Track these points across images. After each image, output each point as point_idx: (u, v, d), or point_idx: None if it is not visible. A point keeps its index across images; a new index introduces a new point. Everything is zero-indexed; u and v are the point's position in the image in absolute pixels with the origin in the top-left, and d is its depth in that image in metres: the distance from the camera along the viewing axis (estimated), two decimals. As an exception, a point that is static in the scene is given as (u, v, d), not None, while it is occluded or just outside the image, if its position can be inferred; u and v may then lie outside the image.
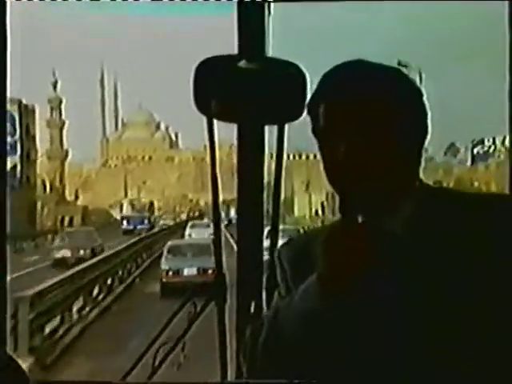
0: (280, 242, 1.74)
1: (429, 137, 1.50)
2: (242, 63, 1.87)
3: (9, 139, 68.10)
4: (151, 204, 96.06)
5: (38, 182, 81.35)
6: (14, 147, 69.59)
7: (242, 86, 1.86)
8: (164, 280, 19.93)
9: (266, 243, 1.98)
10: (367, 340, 1.37)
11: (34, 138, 75.15)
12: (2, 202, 1.33)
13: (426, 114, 1.49)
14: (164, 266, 20.57)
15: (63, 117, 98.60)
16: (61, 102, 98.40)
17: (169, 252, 21.58)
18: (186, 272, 19.95)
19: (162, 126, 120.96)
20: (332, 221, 1.56)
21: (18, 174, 70.27)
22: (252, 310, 1.97)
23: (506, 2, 1.92)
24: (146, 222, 62.13)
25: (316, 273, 1.37)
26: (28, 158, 72.61)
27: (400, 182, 1.44)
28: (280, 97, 1.87)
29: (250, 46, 1.93)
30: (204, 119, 1.89)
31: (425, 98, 1.49)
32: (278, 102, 1.87)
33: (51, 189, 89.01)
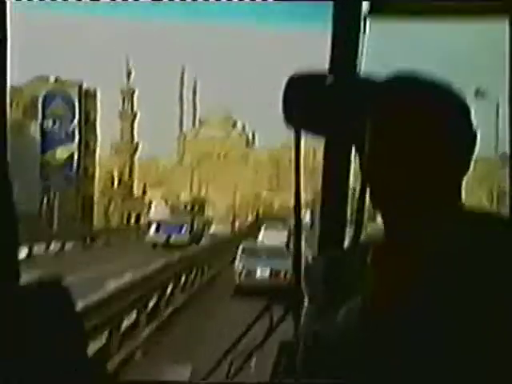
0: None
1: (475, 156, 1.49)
2: (333, 79, 1.90)
3: (66, 125, 62.05)
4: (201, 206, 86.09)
5: (98, 173, 77.40)
6: (71, 135, 62.79)
7: (331, 102, 1.89)
8: (237, 282, 20.82)
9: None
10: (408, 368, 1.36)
11: (94, 125, 68.58)
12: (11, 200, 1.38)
13: (472, 134, 1.48)
14: (238, 267, 21.46)
15: (135, 108, 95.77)
16: (133, 92, 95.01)
17: (242, 252, 22.30)
18: (258, 273, 20.54)
19: (239, 125, 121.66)
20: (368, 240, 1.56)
21: (75, 164, 63.24)
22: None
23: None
24: (183, 229, 44.49)
25: (360, 296, 1.36)
26: (87, 148, 65.48)
27: (446, 203, 1.43)
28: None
29: (342, 62, 1.96)
30: (285, 123, 1.92)
31: (473, 117, 1.48)
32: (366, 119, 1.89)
33: (119, 183, 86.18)
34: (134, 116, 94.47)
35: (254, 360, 1.92)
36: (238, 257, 22.43)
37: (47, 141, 62.36)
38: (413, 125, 1.42)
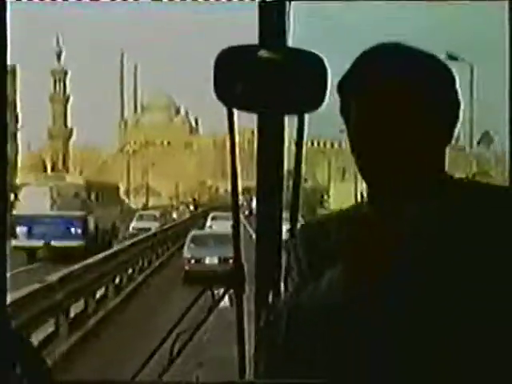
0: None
1: (459, 125, 1.50)
2: (263, 53, 1.91)
3: None
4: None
5: (28, 160, 74.07)
6: None
7: (262, 76, 1.91)
8: (186, 268, 21.39)
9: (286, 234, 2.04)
10: (388, 336, 1.38)
11: (14, 105, 62.90)
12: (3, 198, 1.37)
13: (458, 104, 1.49)
14: (186, 254, 22.10)
15: (68, 91, 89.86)
16: (66, 74, 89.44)
17: (191, 241, 22.94)
18: (207, 261, 21.39)
19: (182, 111, 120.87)
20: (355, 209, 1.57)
21: None
22: (270, 299, 2.03)
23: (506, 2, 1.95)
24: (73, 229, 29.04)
25: (341, 265, 1.37)
26: (4, 130, 64.22)
27: (428, 172, 1.45)
28: (300, 86, 1.91)
29: (270, 35, 1.98)
30: (224, 107, 1.94)
31: (458, 85, 1.49)
32: (298, 92, 1.92)
33: (52, 170, 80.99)
34: (67, 99, 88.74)
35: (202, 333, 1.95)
36: (186, 245, 22.89)
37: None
38: (399, 95, 1.42)
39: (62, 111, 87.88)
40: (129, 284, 19.42)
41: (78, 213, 29.39)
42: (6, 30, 1.50)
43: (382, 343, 1.39)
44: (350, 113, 1.49)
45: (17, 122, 64.13)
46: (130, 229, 39.52)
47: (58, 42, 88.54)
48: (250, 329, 2.05)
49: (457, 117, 1.50)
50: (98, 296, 15.69)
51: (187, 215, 56.41)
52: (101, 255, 17.63)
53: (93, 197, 32.04)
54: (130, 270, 20.61)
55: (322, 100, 1.90)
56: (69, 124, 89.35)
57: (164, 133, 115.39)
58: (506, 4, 1.93)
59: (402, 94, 1.43)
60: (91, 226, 30.21)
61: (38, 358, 1.32)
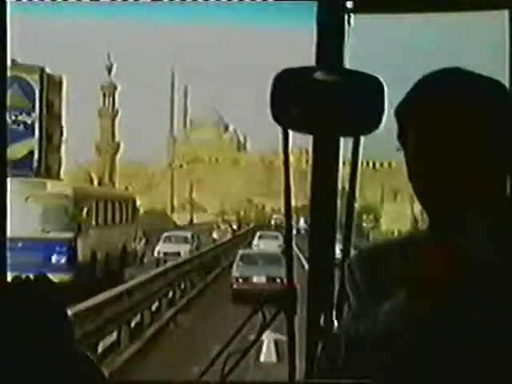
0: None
1: None
2: (320, 75, 1.93)
3: (24, 117, 51.52)
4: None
5: (76, 173, 71.07)
6: (30, 128, 51.91)
7: (318, 98, 1.92)
8: (235, 286, 21.75)
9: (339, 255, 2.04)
10: (452, 363, 1.37)
11: (59, 117, 57.59)
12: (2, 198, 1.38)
13: None
14: (235, 272, 22.47)
15: (116, 106, 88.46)
16: (115, 88, 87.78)
17: (240, 260, 23.49)
18: (255, 279, 21.73)
19: (231, 128, 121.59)
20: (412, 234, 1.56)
21: (35, 163, 51.47)
22: (322, 322, 2.03)
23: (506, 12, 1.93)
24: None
25: (403, 291, 1.36)
26: (50, 142, 54.81)
27: (491, 199, 1.43)
28: (357, 109, 1.91)
29: (328, 57, 1.99)
30: (277, 126, 1.95)
31: None
32: (354, 114, 1.92)
33: (99, 184, 77.65)
34: (115, 114, 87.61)
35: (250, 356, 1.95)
36: (235, 264, 23.41)
37: (1, 136, 55.77)
38: (460, 121, 1.40)
39: (110, 125, 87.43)
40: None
41: (63, 234, 21.66)
42: (6, 30, 1.53)
43: (445, 370, 1.38)
44: (408, 138, 1.47)
45: (61, 134, 59.72)
46: (155, 253, 33.12)
47: (109, 57, 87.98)
48: (301, 351, 2.05)
49: None
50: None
51: (229, 236, 50.70)
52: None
53: (89, 212, 23.50)
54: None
55: (378, 123, 1.90)
56: (116, 139, 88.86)
57: (212, 149, 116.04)
58: (507, 14, 1.92)
59: (464, 120, 1.41)
60: (83, 252, 22.32)
61: (94, 369, 1.33)
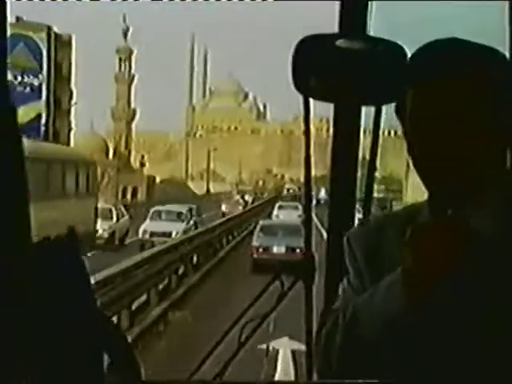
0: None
1: None
2: (343, 42, 1.92)
3: (31, 79, 49.34)
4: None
5: (90, 141, 65.55)
6: (37, 90, 49.37)
7: (340, 66, 1.91)
8: (255, 256, 22.38)
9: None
10: (452, 342, 1.37)
11: (68, 80, 54.00)
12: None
13: None
14: (255, 242, 23.15)
15: (133, 71, 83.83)
16: (131, 53, 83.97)
17: (260, 230, 24.07)
18: (275, 250, 22.35)
19: (250, 96, 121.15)
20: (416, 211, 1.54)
21: (42, 127, 48.53)
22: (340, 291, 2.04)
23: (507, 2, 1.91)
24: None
25: (401, 270, 1.34)
26: (58, 107, 51.40)
27: (492, 174, 1.40)
28: (380, 77, 1.90)
29: (350, 25, 1.98)
30: (297, 95, 1.95)
31: None
32: (377, 83, 1.91)
33: (114, 154, 75.67)
34: (132, 79, 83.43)
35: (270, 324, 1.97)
36: (255, 234, 24.01)
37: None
38: (459, 91, 1.37)
39: (126, 91, 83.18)
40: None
41: None
42: (5, 30, 1.53)
43: (445, 349, 1.37)
44: (406, 113, 1.43)
45: (71, 98, 55.08)
46: (139, 234, 27.42)
47: (124, 20, 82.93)
48: (317, 319, 2.07)
49: None
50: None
51: (240, 209, 44.86)
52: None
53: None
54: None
55: (401, 91, 1.89)
56: (132, 105, 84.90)
57: (231, 118, 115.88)
58: (506, 4, 1.90)
59: (462, 92, 1.37)
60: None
61: (131, 356, 1.33)
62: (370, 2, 2.00)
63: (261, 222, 25.98)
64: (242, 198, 56.46)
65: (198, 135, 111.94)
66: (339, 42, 1.91)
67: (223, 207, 47.70)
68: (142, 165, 79.15)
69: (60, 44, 51.50)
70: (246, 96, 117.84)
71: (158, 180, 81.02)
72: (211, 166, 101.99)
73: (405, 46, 1.88)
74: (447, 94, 1.37)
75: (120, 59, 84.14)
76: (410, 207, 1.57)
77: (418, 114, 1.40)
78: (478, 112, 1.37)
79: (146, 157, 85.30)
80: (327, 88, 1.94)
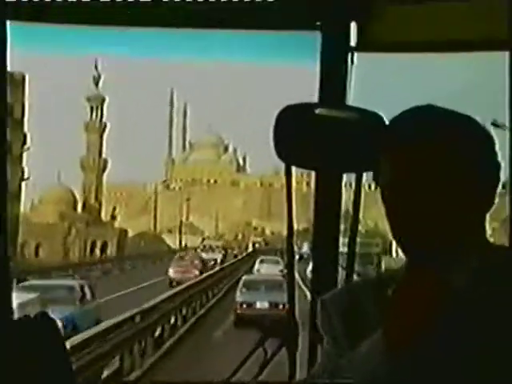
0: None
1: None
2: (323, 111, 1.98)
3: None
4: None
5: (57, 193, 65.04)
6: None
7: (321, 134, 1.98)
8: (238, 312, 22.97)
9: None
10: None
11: (21, 124, 51.15)
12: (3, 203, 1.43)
13: (498, 166, 1.48)
14: (239, 298, 23.70)
15: (104, 119, 79.44)
16: (103, 101, 79.81)
17: (243, 286, 24.77)
18: (258, 305, 23.01)
19: (230, 149, 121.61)
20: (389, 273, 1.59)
21: None
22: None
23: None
24: None
25: (381, 329, 1.38)
26: (10, 152, 46.79)
27: (467, 239, 1.45)
28: (359, 145, 1.97)
29: (331, 94, 2.05)
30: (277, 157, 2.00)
31: (497, 148, 1.48)
32: (357, 150, 1.97)
33: (84, 207, 72.34)
34: (104, 128, 79.29)
35: None
36: (238, 289, 24.64)
37: None
38: (434, 157, 1.41)
39: (98, 141, 78.39)
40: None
41: None
42: (5, 32, 1.56)
43: None
44: (382, 178, 1.47)
45: (24, 143, 51.93)
46: None
47: (96, 67, 77.70)
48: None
49: (497, 180, 1.47)
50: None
51: (195, 273, 35.46)
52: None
53: None
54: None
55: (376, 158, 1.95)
56: (104, 155, 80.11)
57: (211, 171, 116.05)
58: (507, 55, 1.98)
59: (437, 156, 1.41)
60: None
61: None
62: (349, 72, 2.08)
63: (244, 277, 26.76)
64: (201, 259, 44.61)
65: (177, 188, 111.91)
66: (319, 111, 1.98)
67: (171, 272, 37.52)
68: (113, 217, 76.61)
69: (12, 84, 46.41)
70: (225, 148, 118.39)
71: (130, 233, 77.08)
72: (190, 218, 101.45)
73: (384, 113, 1.96)
74: (421, 158, 1.41)
75: (91, 107, 79.98)
76: (385, 273, 1.62)
77: (393, 180, 1.44)
78: (451, 177, 1.41)
79: (117, 209, 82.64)
80: (308, 156, 2.00)
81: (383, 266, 47.99)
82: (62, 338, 1.36)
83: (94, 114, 79.60)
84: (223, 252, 64.11)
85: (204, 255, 52.36)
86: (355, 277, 2.18)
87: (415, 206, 1.42)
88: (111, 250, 65.08)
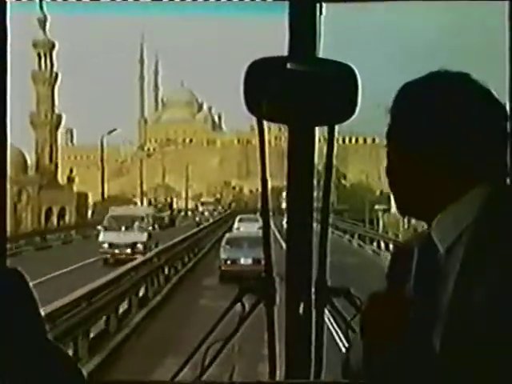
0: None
1: None
2: (293, 64, 2.02)
3: None
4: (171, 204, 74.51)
5: None
6: None
7: (292, 88, 2.02)
8: (223, 268, 24.72)
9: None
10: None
11: None
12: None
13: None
14: (223, 255, 25.41)
15: (55, 68, 68.82)
16: (53, 46, 68.48)
17: (227, 243, 26.30)
18: (242, 261, 24.70)
19: (205, 107, 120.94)
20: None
21: None
22: (301, 310, 2.14)
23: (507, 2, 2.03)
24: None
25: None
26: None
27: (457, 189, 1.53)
28: (331, 97, 2.01)
29: (300, 47, 2.08)
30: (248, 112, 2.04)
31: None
32: (328, 103, 2.02)
33: (37, 169, 64.85)
34: (55, 79, 68.98)
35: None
36: (221, 247, 26.22)
37: None
38: (436, 128, 1.52)
39: (49, 93, 68.56)
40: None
41: None
42: (6, 30, 1.59)
43: None
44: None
45: None
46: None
47: (41, 7, 63.03)
48: (280, 339, 2.16)
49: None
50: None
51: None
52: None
53: None
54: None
55: (353, 111, 2.00)
56: (56, 110, 69.62)
57: (186, 130, 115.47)
58: (506, 4, 2.02)
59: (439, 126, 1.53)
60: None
61: (74, 368, 1.41)
62: (318, 24, 2.11)
63: (227, 235, 28.34)
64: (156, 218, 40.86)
65: (151, 148, 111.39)
66: (289, 65, 2.01)
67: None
68: (70, 180, 67.48)
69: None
70: (200, 106, 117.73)
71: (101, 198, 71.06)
72: (166, 180, 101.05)
73: (355, 64, 2.00)
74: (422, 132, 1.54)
75: (39, 55, 68.24)
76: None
77: (396, 154, 1.60)
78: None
79: (74, 171, 72.57)
80: (279, 110, 2.04)
81: (380, 222, 48.18)
82: (32, 294, 1.40)
83: (43, 63, 68.86)
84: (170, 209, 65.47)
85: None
86: (331, 232, 2.24)
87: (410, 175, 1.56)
88: (70, 217, 60.12)
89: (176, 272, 24.83)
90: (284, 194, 2.40)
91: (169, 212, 63.49)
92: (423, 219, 1.58)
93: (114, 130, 66.46)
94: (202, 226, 41.78)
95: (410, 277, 1.56)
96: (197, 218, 61.39)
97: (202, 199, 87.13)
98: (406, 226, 40.89)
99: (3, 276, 1.40)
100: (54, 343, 1.41)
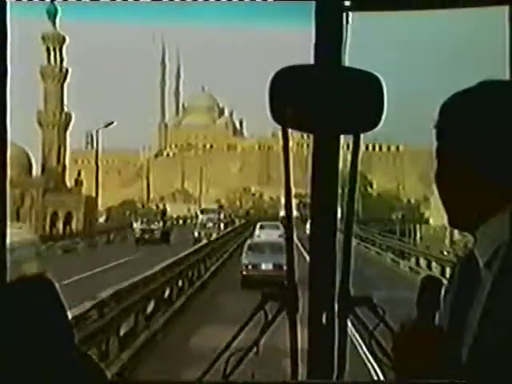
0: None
1: None
2: (319, 73, 2.05)
3: None
4: (163, 212, 65.64)
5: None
6: None
7: (317, 96, 2.04)
8: (244, 273, 25.87)
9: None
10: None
11: None
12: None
13: None
14: (245, 260, 26.61)
15: (65, 64, 64.89)
16: (63, 40, 64.70)
17: (248, 249, 27.86)
18: (263, 267, 25.76)
19: (226, 112, 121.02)
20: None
21: None
22: (324, 320, 2.16)
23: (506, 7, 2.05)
24: None
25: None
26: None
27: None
28: (356, 106, 2.04)
29: (326, 55, 2.11)
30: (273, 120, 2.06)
31: None
32: (353, 112, 2.05)
33: (43, 170, 61.09)
34: (65, 75, 65.05)
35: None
36: (244, 252, 27.67)
37: None
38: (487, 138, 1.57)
39: (58, 91, 65.13)
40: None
41: None
42: (6, 30, 1.61)
43: None
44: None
45: None
46: None
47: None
48: (303, 348, 2.18)
49: None
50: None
51: None
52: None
53: None
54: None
55: (378, 120, 2.03)
56: (66, 109, 66.47)
57: (206, 135, 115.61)
58: (506, 9, 2.04)
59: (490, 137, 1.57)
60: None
61: (98, 371, 1.43)
62: (344, 32, 2.14)
63: (248, 241, 30.23)
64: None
65: (171, 154, 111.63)
66: (315, 73, 2.04)
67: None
68: (78, 182, 63.25)
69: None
70: (221, 111, 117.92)
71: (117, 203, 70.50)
72: (185, 185, 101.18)
73: (380, 73, 2.02)
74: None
75: (48, 49, 64.48)
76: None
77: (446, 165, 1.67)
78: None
79: (82, 173, 67.13)
80: (305, 118, 2.07)
81: (417, 234, 47.24)
82: (61, 300, 1.42)
83: (52, 57, 65.04)
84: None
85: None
86: (355, 241, 2.26)
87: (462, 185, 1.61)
88: (77, 223, 56.49)
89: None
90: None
91: (161, 224, 54.31)
92: (472, 232, 1.61)
93: (112, 123, 63.61)
94: (198, 246, 33.45)
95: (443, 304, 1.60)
96: (195, 233, 50.99)
97: (203, 206, 75.48)
98: (451, 240, 39.35)
99: (29, 284, 1.42)
100: (81, 352, 1.43)
